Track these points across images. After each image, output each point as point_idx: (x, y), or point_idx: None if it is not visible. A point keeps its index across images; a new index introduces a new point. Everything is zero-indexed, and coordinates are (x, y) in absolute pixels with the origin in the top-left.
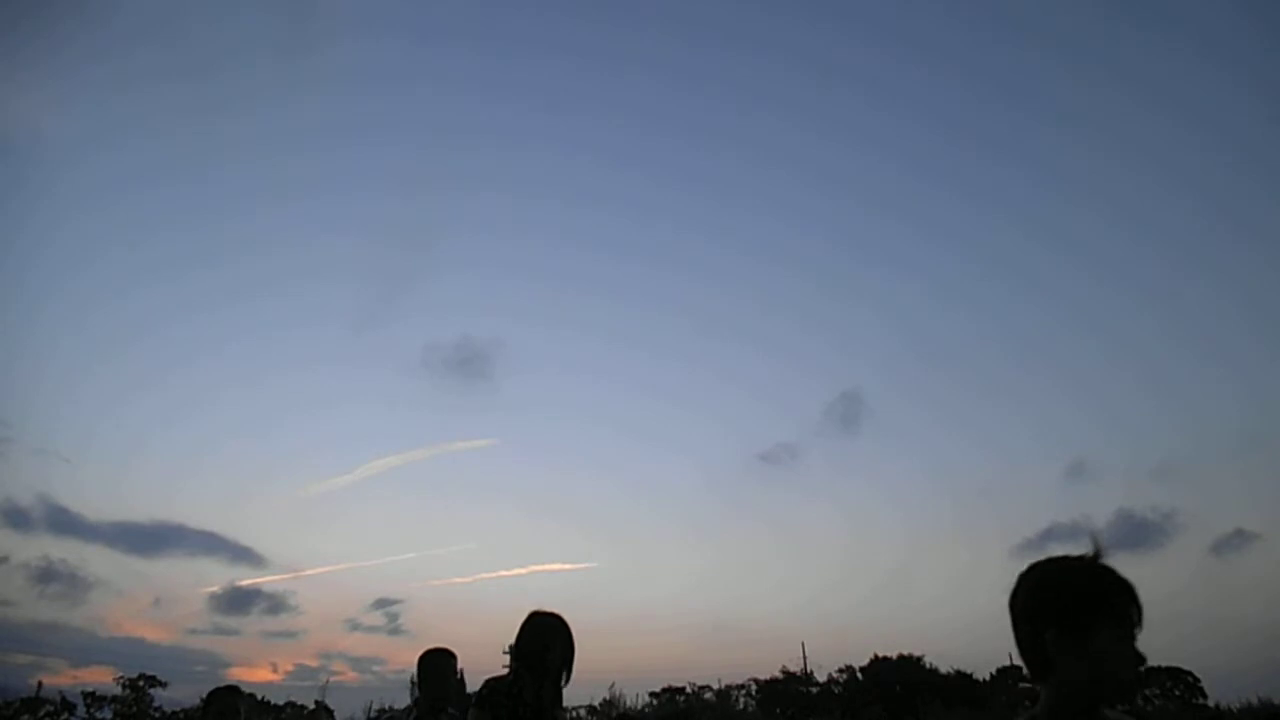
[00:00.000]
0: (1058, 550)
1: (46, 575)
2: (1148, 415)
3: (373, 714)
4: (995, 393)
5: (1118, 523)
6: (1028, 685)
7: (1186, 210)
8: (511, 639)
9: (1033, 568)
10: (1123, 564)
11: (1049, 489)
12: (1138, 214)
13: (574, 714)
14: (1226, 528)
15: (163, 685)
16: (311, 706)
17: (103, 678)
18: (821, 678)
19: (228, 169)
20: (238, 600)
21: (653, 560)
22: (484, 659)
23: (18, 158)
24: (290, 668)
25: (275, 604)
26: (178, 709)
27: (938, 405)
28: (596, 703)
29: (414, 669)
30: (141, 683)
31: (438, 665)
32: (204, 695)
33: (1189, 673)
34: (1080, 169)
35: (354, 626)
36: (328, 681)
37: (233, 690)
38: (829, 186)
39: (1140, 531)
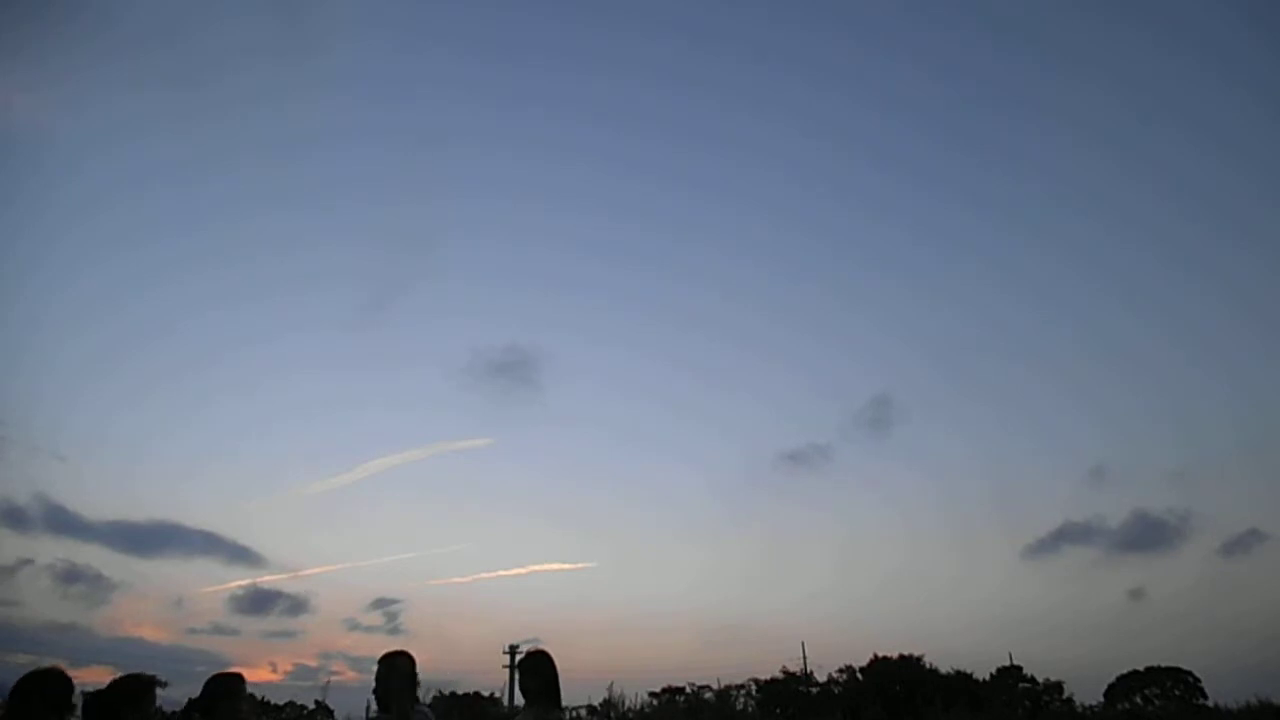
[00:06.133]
0: (1070, 549)
1: (46, 575)
2: (1164, 419)
3: (372, 714)
4: (1003, 396)
5: (1132, 523)
6: (1027, 685)
7: (1199, 220)
8: (511, 638)
9: None
10: (1132, 565)
11: (1061, 490)
12: (1150, 227)
13: (574, 714)
14: (1240, 528)
15: (163, 685)
16: (311, 706)
17: (102, 677)
18: (821, 678)
19: (230, 171)
20: (257, 601)
21: (653, 560)
22: (484, 658)
23: (18, 159)
24: (290, 668)
25: (295, 604)
26: (177, 709)
27: (951, 411)
28: (596, 703)
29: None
30: None
31: (397, 668)
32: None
33: (1189, 673)
34: (1089, 178)
35: (353, 626)
36: (328, 682)
37: (237, 678)
38: (835, 190)
39: (1153, 532)
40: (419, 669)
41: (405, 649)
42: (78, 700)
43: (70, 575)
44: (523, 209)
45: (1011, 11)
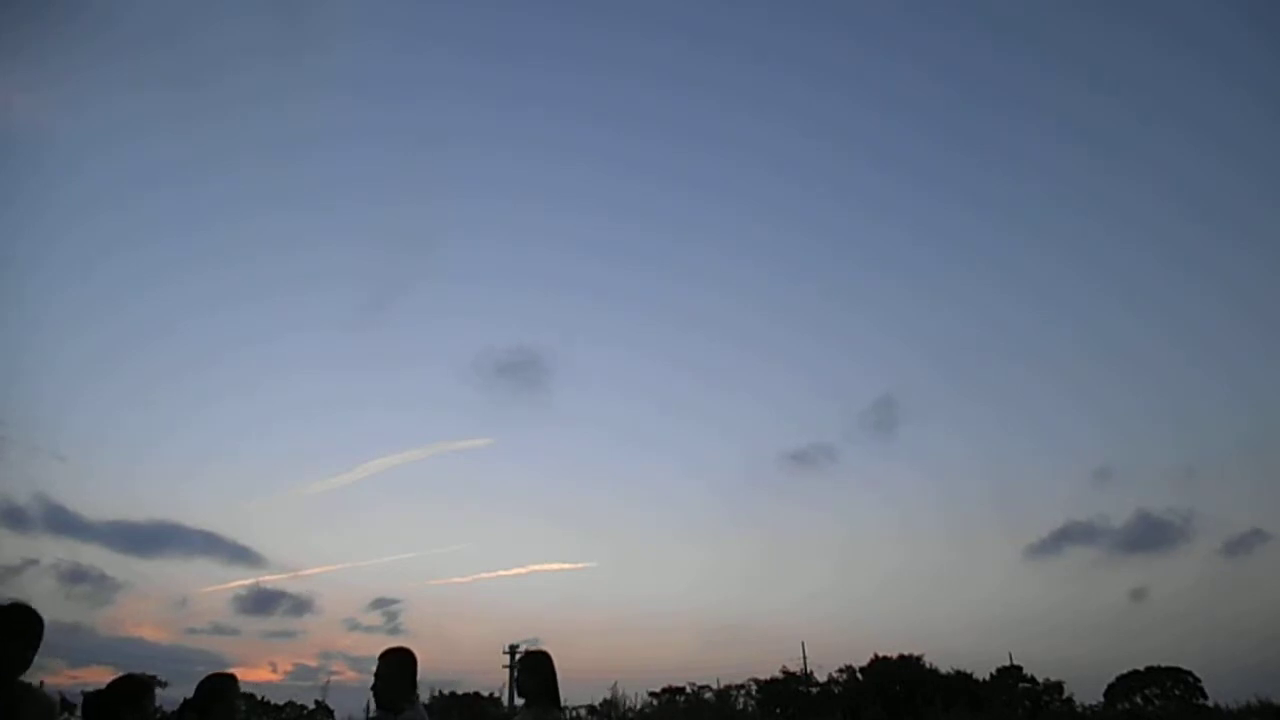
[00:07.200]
0: (1071, 549)
1: (50, 575)
2: (1165, 419)
3: (372, 715)
4: (1004, 396)
5: (1135, 523)
6: (1027, 685)
7: (1199, 220)
8: (511, 638)
9: None
10: (1134, 565)
11: (1063, 490)
12: (1150, 227)
13: (574, 714)
14: (1242, 528)
15: (162, 685)
16: (311, 706)
17: (102, 678)
18: (821, 678)
19: (230, 171)
20: (257, 601)
21: (653, 560)
22: (484, 658)
23: (18, 159)
24: (290, 668)
25: (295, 604)
26: (177, 709)
27: (952, 411)
28: (597, 703)
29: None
30: None
31: (394, 665)
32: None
33: (1189, 673)
34: (1089, 178)
35: (353, 626)
36: (328, 682)
37: (230, 678)
38: (835, 190)
39: (1156, 532)
40: (419, 668)
41: (404, 645)
42: (74, 702)
43: (74, 575)
44: (523, 209)
45: (1011, 11)
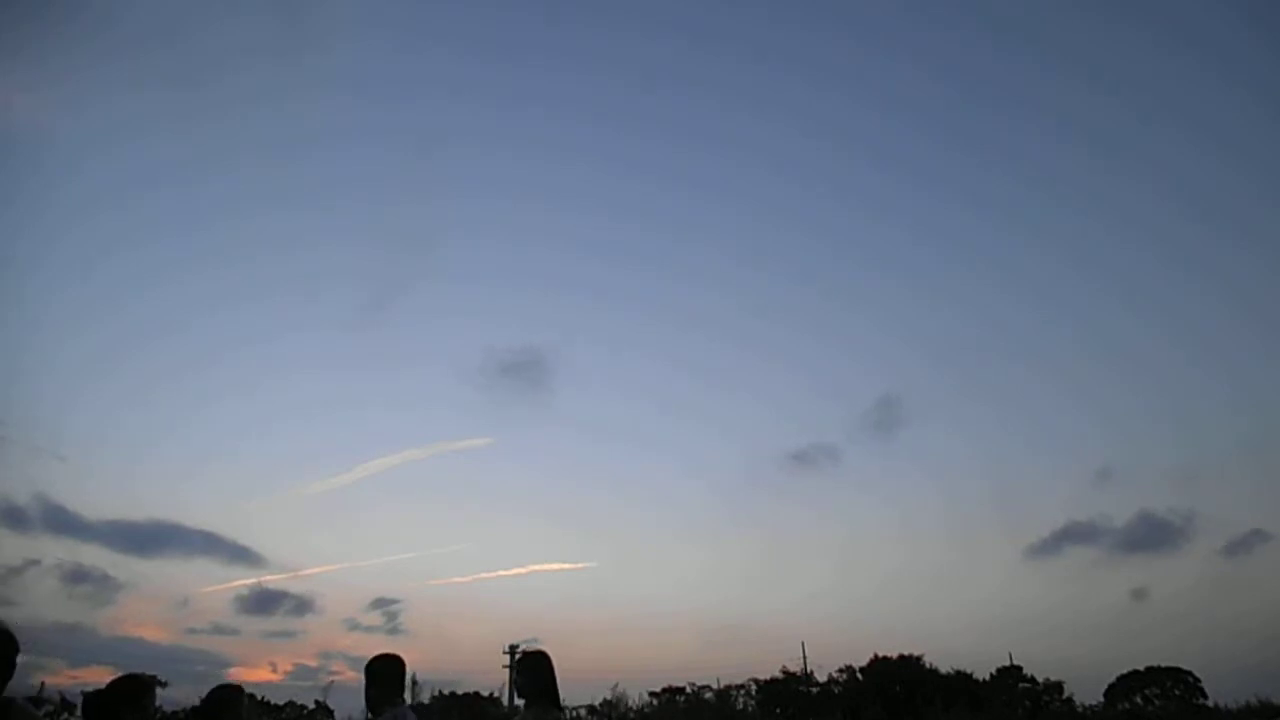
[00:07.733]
0: (1071, 550)
1: (52, 575)
2: (1165, 419)
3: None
4: (1004, 396)
5: (1136, 524)
6: (1027, 685)
7: (1199, 220)
8: (511, 638)
9: None
10: (1134, 565)
11: (1063, 490)
12: (1150, 227)
13: (574, 714)
14: (1243, 528)
15: (162, 685)
16: (311, 706)
17: (102, 678)
18: (821, 678)
19: (230, 171)
20: (257, 601)
21: (653, 560)
22: (484, 658)
23: (18, 159)
24: (290, 668)
25: (295, 604)
26: (178, 709)
27: (952, 411)
28: (597, 703)
29: (411, 670)
30: None
31: (370, 673)
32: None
33: (1189, 673)
34: (1089, 178)
35: (353, 626)
36: (330, 682)
37: (237, 689)
38: (835, 190)
39: (1157, 533)
40: (416, 670)
41: (392, 651)
42: (70, 701)
43: (76, 576)
44: (523, 209)
45: (1011, 11)
